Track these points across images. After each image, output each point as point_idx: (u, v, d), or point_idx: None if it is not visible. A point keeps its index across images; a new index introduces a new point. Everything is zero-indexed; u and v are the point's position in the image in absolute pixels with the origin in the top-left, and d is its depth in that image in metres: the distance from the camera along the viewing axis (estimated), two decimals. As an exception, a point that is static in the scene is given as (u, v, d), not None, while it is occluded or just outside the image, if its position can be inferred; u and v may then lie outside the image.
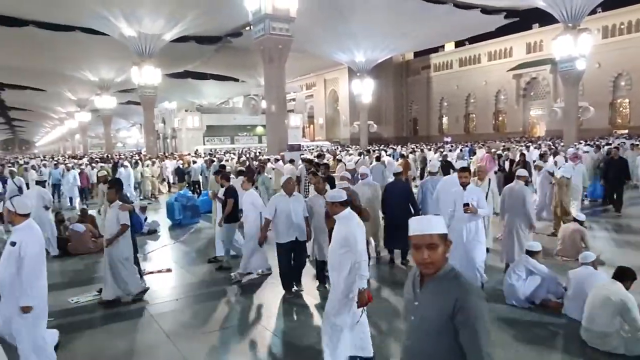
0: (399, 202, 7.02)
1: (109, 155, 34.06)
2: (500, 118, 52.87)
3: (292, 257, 5.97)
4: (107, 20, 25.19)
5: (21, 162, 27.66)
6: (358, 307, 3.76)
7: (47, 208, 8.71)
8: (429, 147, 28.07)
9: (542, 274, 5.26)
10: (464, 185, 5.60)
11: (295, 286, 6.07)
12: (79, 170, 16.56)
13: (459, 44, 52.84)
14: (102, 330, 5.21)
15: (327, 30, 30.27)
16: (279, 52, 19.71)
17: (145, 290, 6.22)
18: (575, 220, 7.43)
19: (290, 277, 6.04)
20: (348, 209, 4.04)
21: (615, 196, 10.88)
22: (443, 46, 54.34)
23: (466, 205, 5.39)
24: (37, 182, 9.42)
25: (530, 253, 5.45)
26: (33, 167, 18.74)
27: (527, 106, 49.73)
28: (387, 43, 34.18)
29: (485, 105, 52.90)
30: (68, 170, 16.11)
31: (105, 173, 10.21)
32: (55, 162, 21.90)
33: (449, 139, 43.50)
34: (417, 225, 1.88)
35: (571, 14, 24.05)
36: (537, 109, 49.38)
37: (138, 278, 6.17)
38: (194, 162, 17.68)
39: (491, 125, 52.83)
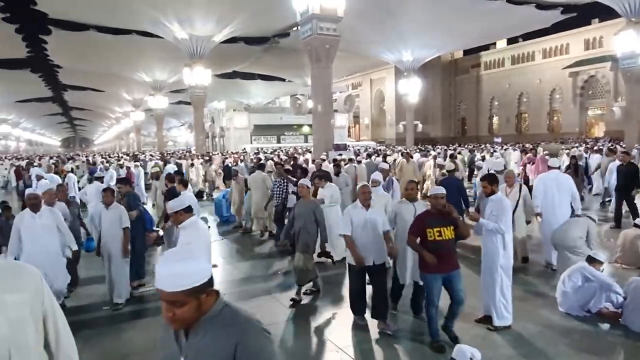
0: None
1: (162, 152, 35.39)
2: (555, 118, 50.55)
3: (367, 281, 5.01)
4: (162, 24, 26.20)
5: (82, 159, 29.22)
6: None
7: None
8: (471, 148, 27.27)
9: (599, 282, 4.98)
10: (487, 194, 5.04)
11: (383, 323, 4.84)
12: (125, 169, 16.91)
13: (511, 41, 50.96)
14: (155, 321, 5.43)
15: (374, 30, 30.07)
16: (326, 52, 19.75)
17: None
18: (635, 225, 7.00)
19: (363, 304, 5.07)
20: (194, 217, 3.99)
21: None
22: (494, 44, 52.57)
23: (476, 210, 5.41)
24: (97, 178, 9.92)
25: (590, 260, 5.17)
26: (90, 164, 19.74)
27: (584, 105, 47.23)
28: (435, 41, 33.53)
29: (538, 104, 50.75)
30: (106, 169, 16.34)
31: (158, 169, 10.62)
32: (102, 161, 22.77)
33: (499, 140, 42.08)
34: (159, 277, 1.52)
35: (635, 8, 22.65)
36: (595, 109, 46.84)
37: (128, 283, 6.04)
38: (242, 160, 18.05)
39: (545, 125, 50.62)
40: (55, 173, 14.10)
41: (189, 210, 3.95)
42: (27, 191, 5.20)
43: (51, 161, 22.65)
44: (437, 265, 4.23)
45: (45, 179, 10.92)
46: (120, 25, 28.40)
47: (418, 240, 4.38)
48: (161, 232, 7.94)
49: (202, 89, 29.61)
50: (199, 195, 15.27)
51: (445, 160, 14.13)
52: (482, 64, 57.82)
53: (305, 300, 5.90)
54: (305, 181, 6.14)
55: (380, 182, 6.78)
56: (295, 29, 28.89)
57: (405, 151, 19.92)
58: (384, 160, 14.86)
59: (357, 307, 5.08)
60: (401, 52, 34.86)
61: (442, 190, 4.42)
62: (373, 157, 17.60)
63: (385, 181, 7.72)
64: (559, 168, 7.64)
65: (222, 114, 49.33)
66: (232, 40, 30.02)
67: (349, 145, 23.26)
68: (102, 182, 9.65)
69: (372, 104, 64.44)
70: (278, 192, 8.90)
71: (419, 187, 7.36)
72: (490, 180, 4.98)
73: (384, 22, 28.80)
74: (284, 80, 47.48)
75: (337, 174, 9.76)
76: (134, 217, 6.15)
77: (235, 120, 45.13)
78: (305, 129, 45.47)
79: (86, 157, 32.92)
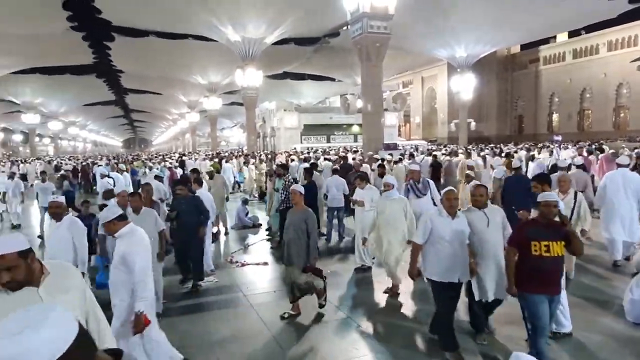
0: (520, 195, 6.76)
1: (217, 152, 36.48)
2: (622, 114, 47.37)
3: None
4: (216, 28, 27.01)
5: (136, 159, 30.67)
6: (134, 333, 3.47)
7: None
8: (528, 146, 26.06)
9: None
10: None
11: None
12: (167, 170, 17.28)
13: (572, 34, 48.26)
14: (207, 315, 5.61)
15: (426, 26, 29.47)
16: (377, 50, 19.62)
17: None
18: None
19: (453, 333, 4.27)
20: (130, 225, 3.78)
21: None
22: (554, 37, 49.99)
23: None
24: (156, 177, 10.38)
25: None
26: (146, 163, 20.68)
27: (656, 100, 43.97)
28: (490, 36, 32.36)
29: (603, 100, 47.73)
30: (150, 169, 16.74)
31: (213, 169, 10.96)
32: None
33: (559, 138, 40.03)
34: None
35: None
36: (669, 104, 43.47)
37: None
38: (292, 160, 18.26)
39: (610, 122, 47.54)
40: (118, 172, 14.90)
41: (122, 218, 3.77)
42: (50, 198, 5.04)
43: (113, 161, 24.02)
44: (543, 285, 3.66)
45: (111, 177, 11.57)
46: (177, 30, 29.53)
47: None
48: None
49: (253, 90, 30.27)
50: (262, 196, 15.32)
51: (493, 158, 13.59)
52: (541, 58, 55.18)
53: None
54: (298, 187, 5.57)
55: (394, 186, 6.20)
56: (345, 28, 28.86)
57: (453, 149, 19.35)
58: (435, 160, 14.54)
59: (448, 338, 4.20)
60: (454, 48, 33.94)
61: (554, 196, 3.85)
62: (421, 157, 17.11)
63: (418, 184, 7.23)
64: (627, 166, 7.25)
65: (272, 114, 50.15)
66: (283, 41, 30.44)
67: (399, 145, 23.00)
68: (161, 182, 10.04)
69: (423, 102, 63.21)
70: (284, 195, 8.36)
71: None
72: (541, 180, 4.86)
73: (436, 18, 28.16)
74: (333, 80, 47.57)
75: (382, 175, 9.15)
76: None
77: (286, 120, 45.73)
78: (355, 129, 45.32)
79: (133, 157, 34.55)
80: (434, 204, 6.88)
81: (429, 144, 42.15)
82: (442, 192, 4.40)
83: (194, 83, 41.29)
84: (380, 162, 12.64)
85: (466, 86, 36.05)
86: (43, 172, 13.61)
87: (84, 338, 1.05)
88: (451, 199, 4.25)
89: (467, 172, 9.36)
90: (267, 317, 5.44)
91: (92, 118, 78.60)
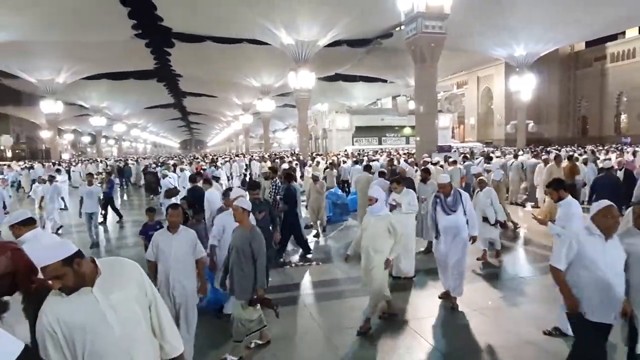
0: (610, 194, 6.24)
1: (270, 154, 37.14)
2: (701, 114, 43.70)
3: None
4: (270, 32, 27.54)
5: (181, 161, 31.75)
6: None
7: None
8: (592, 149, 24.59)
9: None
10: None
11: None
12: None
13: (644, 28, 45.10)
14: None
15: (483, 25, 28.57)
16: (431, 50, 19.24)
17: None
18: None
19: None
20: (35, 231, 3.41)
21: None
22: (623, 33, 46.89)
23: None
24: (213, 177, 10.70)
25: None
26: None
27: None
28: (552, 33, 30.84)
29: (679, 99, 44.26)
30: (182, 170, 16.69)
31: (269, 170, 11.14)
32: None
33: (627, 140, 37.50)
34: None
35: None
36: None
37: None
38: (344, 162, 18.25)
39: (686, 122, 44.02)
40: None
41: (28, 222, 3.46)
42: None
43: (172, 161, 25.02)
44: None
45: (171, 178, 12.02)
46: (233, 35, 30.37)
47: None
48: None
49: (306, 91, 30.58)
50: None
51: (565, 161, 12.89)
52: (608, 55, 51.95)
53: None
54: (243, 201, 4.57)
55: (378, 199, 5.16)
56: (398, 29, 28.54)
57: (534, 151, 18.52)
58: (488, 162, 14.01)
59: None
60: (512, 46, 32.66)
61: None
62: (477, 160, 16.54)
63: (448, 197, 5.83)
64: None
65: (324, 115, 50.39)
66: (335, 43, 30.53)
67: (452, 147, 22.43)
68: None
69: (479, 103, 61.29)
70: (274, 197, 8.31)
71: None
72: (556, 185, 4.96)
73: (494, 16, 27.22)
74: (385, 81, 47.15)
75: (424, 180, 8.31)
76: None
77: (338, 121, 45.80)
78: (407, 131, 44.67)
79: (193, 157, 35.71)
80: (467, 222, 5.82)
81: (485, 146, 40.81)
82: (597, 207, 3.39)
83: (248, 86, 42.29)
84: (429, 165, 12.32)
85: (525, 86, 34.61)
86: (89, 175, 11.94)
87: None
88: (614, 217, 3.33)
89: (480, 178, 8.60)
90: (319, 317, 5.49)
91: (153, 120, 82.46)
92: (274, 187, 8.61)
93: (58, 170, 21.13)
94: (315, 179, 10.87)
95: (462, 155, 17.77)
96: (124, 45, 31.27)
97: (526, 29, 29.79)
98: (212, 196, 7.55)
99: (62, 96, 40.74)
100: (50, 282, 2.07)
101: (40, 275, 2.19)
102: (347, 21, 26.65)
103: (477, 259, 7.81)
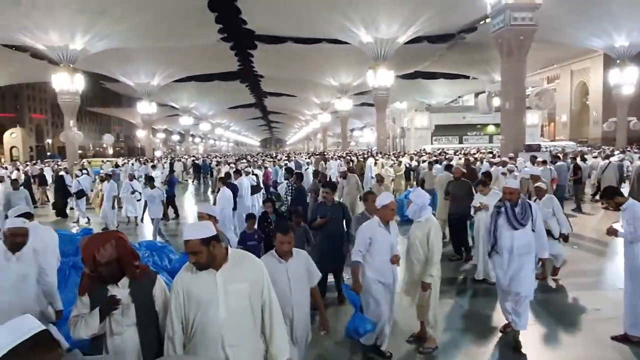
0: None
1: (348, 152, 37.29)
2: None
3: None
4: (349, 30, 27.58)
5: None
6: None
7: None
8: None
9: None
10: (614, 209, 4.65)
11: None
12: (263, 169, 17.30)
13: None
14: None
15: (578, 14, 26.34)
16: (520, 43, 18.12)
17: None
18: None
19: None
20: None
21: None
22: None
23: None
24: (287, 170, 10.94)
25: None
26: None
27: None
28: (662, 19, 27.70)
29: None
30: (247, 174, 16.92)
31: (345, 169, 11.16)
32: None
33: None
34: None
35: None
36: None
37: None
38: (424, 161, 17.80)
39: None
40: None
41: (26, 216, 3.97)
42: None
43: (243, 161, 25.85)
44: None
45: (254, 175, 12.50)
46: (312, 35, 30.88)
47: None
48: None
49: (384, 90, 30.26)
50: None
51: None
52: None
53: None
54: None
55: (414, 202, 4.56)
56: (483, 22, 27.28)
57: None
58: (582, 162, 12.89)
59: None
60: (612, 36, 29.77)
61: None
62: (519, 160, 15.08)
63: (516, 207, 4.61)
64: None
65: (403, 114, 49.58)
66: (415, 40, 29.88)
67: (542, 146, 21.01)
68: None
69: (572, 99, 56.73)
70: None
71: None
72: (609, 195, 4.75)
73: (591, 4, 25.01)
74: (467, 77, 45.33)
75: (484, 185, 7.39)
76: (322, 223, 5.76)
77: (416, 120, 44.83)
78: (491, 129, 42.63)
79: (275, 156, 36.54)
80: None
81: (579, 145, 37.79)
82: None
83: (326, 85, 42.73)
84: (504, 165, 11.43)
85: (628, 79, 31.46)
86: (150, 179, 11.11)
87: (32, 345, 1.37)
88: None
89: (538, 184, 7.27)
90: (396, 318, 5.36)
91: (235, 119, 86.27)
92: (289, 188, 9.14)
93: (154, 167, 22.78)
94: (380, 179, 9.83)
95: (554, 155, 16.55)
96: (210, 49, 33.02)
97: (629, 17, 26.99)
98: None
99: (155, 98, 43.95)
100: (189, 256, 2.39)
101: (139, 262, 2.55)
102: (428, 17, 25.95)
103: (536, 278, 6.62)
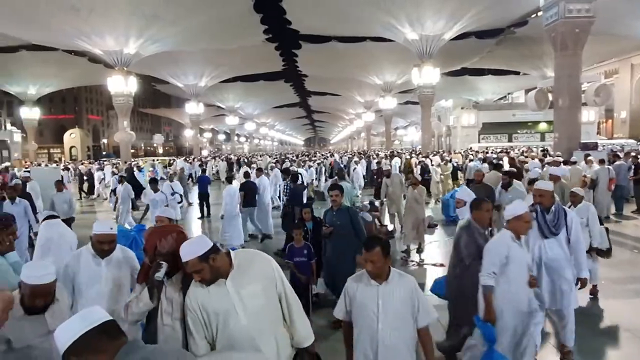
0: None
1: (392, 151, 36.92)
2: None
3: None
4: (394, 28, 27.24)
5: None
6: None
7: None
8: None
9: None
10: None
11: None
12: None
13: None
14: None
15: (637, 3, 24.81)
16: (575, 37, 17.28)
17: None
18: None
19: None
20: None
21: None
22: None
23: None
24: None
25: None
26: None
27: None
28: None
29: None
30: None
31: (389, 168, 11.06)
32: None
33: None
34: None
35: None
36: None
37: None
38: (471, 160, 17.35)
39: None
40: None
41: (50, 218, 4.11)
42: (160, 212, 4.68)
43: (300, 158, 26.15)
44: None
45: (300, 173, 12.66)
46: (357, 34, 30.74)
47: None
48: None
49: (430, 88, 29.71)
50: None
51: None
52: None
53: None
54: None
55: (467, 202, 4.50)
56: (534, 15, 26.21)
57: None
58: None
59: None
60: (679, 26, 27.83)
61: None
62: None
63: (548, 213, 4.10)
64: None
65: (449, 112, 48.55)
66: (462, 36, 29.11)
67: (598, 144, 19.91)
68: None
69: (632, 94, 53.42)
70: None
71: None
72: None
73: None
74: (517, 73, 43.64)
75: (506, 186, 7.08)
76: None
77: (463, 118, 43.79)
78: (542, 126, 40.99)
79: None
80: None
81: (639, 143, 35.63)
82: None
83: (370, 83, 42.45)
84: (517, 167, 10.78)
85: (696, 72, 29.28)
86: (153, 181, 11.14)
87: (101, 332, 1.53)
88: None
89: (575, 189, 6.24)
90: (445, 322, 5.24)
91: (279, 119, 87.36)
92: (286, 187, 9.49)
93: (201, 165, 23.54)
94: (414, 182, 8.80)
95: (613, 154, 15.67)
96: (256, 50, 33.58)
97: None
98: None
99: (203, 98, 45.21)
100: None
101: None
102: (475, 12, 25.22)
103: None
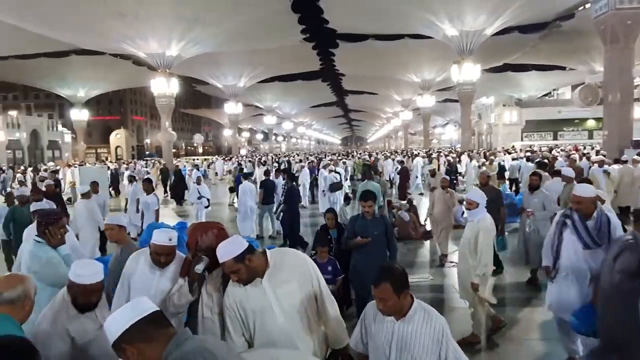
0: None
1: (429, 150, 36.37)
2: None
3: None
4: (433, 24, 26.77)
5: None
6: None
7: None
8: None
9: None
10: None
11: None
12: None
13: None
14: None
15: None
16: (626, 29, 16.44)
17: None
18: None
19: None
20: None
21: None
22: None
23: None
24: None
25: None
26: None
27: None
28: None
29: None
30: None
31: (434, 167, 10.85)
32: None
33: None
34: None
35: None
36: None
37: None
38: (513, 158, 16.84)
39: None
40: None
41: None
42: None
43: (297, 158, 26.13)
44: None
45: (337, 172, 12.69)
46: (394, 31, 30.40)
47: None
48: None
49: (470, 85, 29.03)
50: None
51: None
52: None
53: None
54: (113, 219, 3.90)
55: (479, 204, 4.43)
56: (582, 8, 25.15)
57: None
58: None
59: None
60: None
61: None
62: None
63: (589, 220, 3.69)
64: None
65: (490, 109, 47.27)
66: (504, 31, 28.25)
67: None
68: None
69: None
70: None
71: None
72: None
73: None
74: (563, 68, 41.93)
75: (533, 188, 6.60)
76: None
77: (505, 116, 42.51)
78: (590, 123, 39.23)
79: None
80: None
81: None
82: None
83: (408, 81, 41.91)
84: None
85: None
86: (148, 181, 9.79)
87: (149, 322, 1.62)
88: None
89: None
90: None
91: (316, 118, 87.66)
92: (284, 187, 9.86)
93: (239, 165, 23.94)
94: (445, 185, 8.19)
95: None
96: (293, 50, 33.81)
97: None
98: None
99: (241, 98, 45.97)
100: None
101: None
102: (519, 5, 24.40)
103: None
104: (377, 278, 2.21)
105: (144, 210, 9.03)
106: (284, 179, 10.64)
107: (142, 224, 9.12)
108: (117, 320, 1.62)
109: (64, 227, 3.66)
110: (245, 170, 17.48)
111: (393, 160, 22.75)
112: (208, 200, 10.86)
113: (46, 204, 6.34)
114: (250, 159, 33.98)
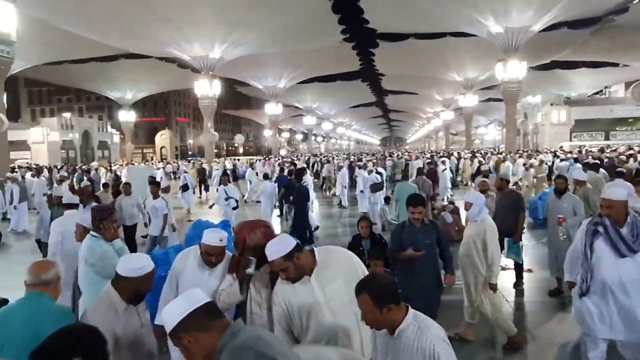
0: None
1: (472, 150, 35.50)
2: None
3: None
4: (477, 21, 26.15)
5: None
6: None
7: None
8: None
9: None
10: None
11: None
12: None
13: None
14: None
15: None
16: (687, 22, 15.50)
17: None
18: None
19: None
20: None
21: None
22: None
23: None
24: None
25: None
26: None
27: None
28: None
29: None
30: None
31: (488, 168, 10.56)
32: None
33: None
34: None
35: None
36: None
37: None
38: (562, 160, 16.20)
39: None
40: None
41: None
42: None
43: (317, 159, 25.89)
44: None
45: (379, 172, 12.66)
46: (435, 30, 29.91)
47: None
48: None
49: (515, 83, 28.16)
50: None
51: None
52: None
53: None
54: (84, 219, 3.97)
55: (473, 204, 4.43)
56: (637, 1, 23.91)
57: None
58: None
59: None
60: None
61: None
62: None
63: (623, 226, 3.31)
64: None
65: (536, 108, 45.65)
66: (552, 26, 27.24)
67: None
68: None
69: None
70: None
71: None
72: None
73: None
74: (616, 65, 40.01)
75: (560, 192, 6.13)
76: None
77: (552, 115, 40.96)
78: (646, 123, 37.21)
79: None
80: None
81: None
82: None
83: (450, 81, 41.16)
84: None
85: None
86: (155, 183, 9.24)
87: (204, 312, 1.69)
88: None
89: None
90: (530, 327, 5.05)
91: (356, 118, 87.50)
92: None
93: (280, 165, 24.13)
94: (484, 188, 7.37)
95: None
96: (333, 50, 33.92)
97: None
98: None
99: (281, 99, 46.53)
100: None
101: None
102: (568, 0, 23.45)
103: None
104: (356, 286, 2.08)
105: (151, 215, 8.10)
106: (300, 179, 10.24)
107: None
108: (173, 311, 1.71)
109: (116, 221, 3.79)
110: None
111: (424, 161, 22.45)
112: (236, 201, 10.25)
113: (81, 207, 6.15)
114: (284, 159, 34.13)
